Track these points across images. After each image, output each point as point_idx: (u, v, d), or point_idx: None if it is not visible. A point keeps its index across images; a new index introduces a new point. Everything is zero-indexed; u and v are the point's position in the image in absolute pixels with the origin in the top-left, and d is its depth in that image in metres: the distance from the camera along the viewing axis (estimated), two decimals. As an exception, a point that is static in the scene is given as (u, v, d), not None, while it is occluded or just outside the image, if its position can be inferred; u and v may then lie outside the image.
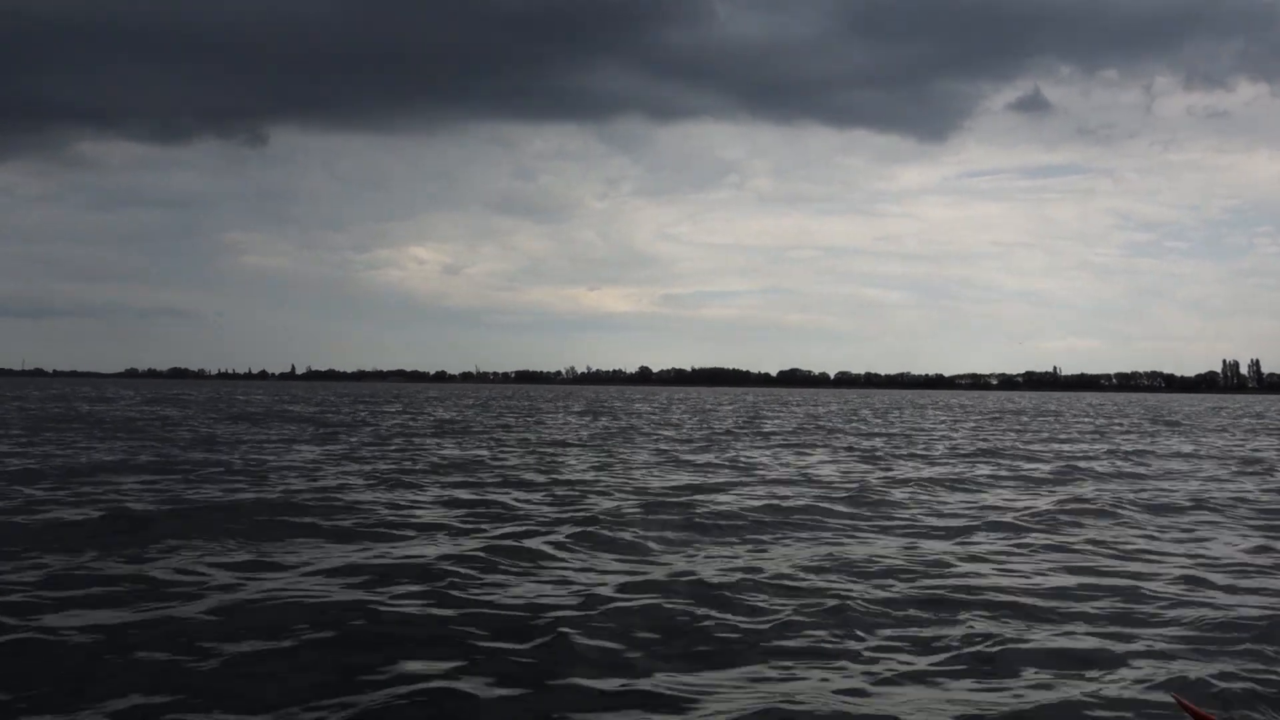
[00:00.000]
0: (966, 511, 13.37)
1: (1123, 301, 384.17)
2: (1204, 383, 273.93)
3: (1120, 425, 44.02)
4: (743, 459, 22.00)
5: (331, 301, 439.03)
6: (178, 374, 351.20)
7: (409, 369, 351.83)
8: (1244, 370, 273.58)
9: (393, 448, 23.75)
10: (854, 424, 42.23)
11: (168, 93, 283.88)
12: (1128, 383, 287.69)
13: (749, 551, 10.15)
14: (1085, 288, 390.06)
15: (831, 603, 7.76)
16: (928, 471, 19.35)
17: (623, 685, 5.86)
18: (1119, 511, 13.41)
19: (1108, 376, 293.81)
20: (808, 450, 25.35)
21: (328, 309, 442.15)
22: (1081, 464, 21.65)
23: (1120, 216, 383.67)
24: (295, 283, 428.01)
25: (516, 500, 13.75)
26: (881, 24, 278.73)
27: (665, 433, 32.69)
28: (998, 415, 56.90)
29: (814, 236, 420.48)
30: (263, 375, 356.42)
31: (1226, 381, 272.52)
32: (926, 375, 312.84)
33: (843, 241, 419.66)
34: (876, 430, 36.64)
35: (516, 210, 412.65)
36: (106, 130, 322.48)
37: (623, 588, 8.23)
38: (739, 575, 8.73)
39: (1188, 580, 8.88)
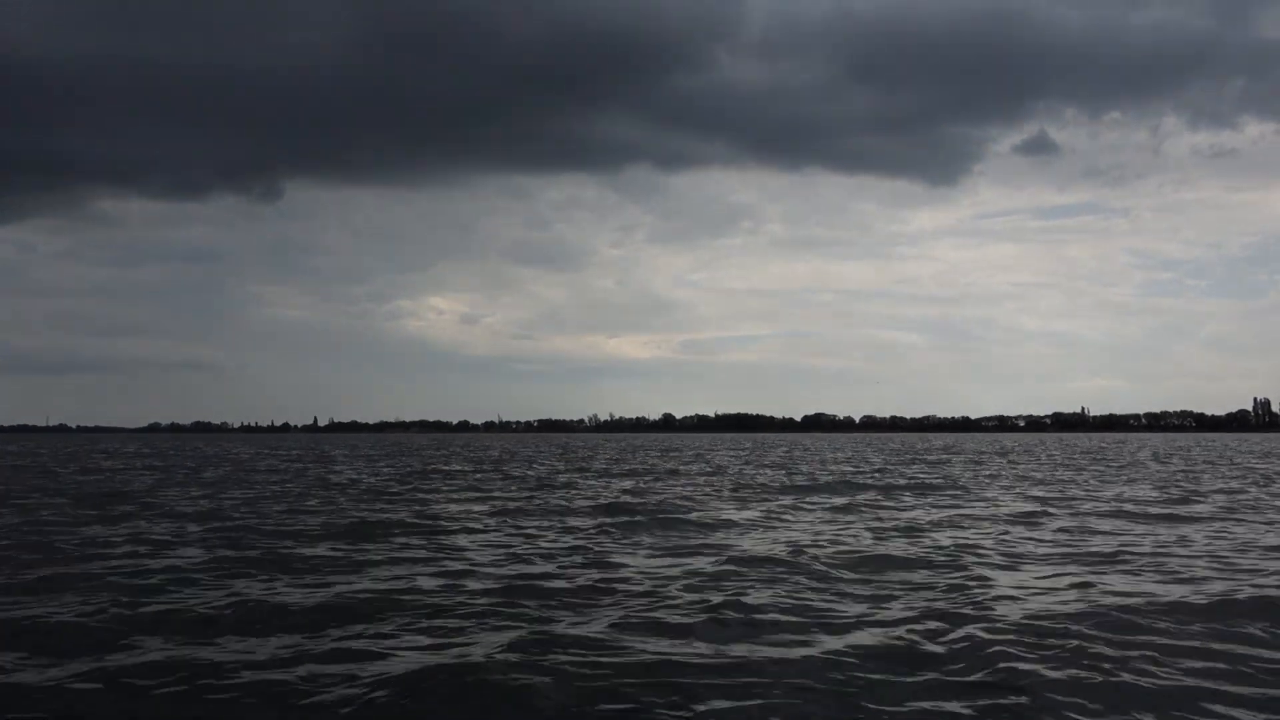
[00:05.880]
0: None
1: (1145, 341, 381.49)
2: (1235, 421, 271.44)
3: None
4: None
5: (353, 353, 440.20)
6: (201, 428, 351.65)
7: (431, 419, 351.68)
8: (1276, 408, 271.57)
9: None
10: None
11: (182, 149, 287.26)
12: (1157, 422, 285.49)
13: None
14: (1106, 327, 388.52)
15: None
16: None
17: None
18: None
19: (1136, 417, 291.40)
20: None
21: (349, 360, 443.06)
22: None
23: (1138, 256, 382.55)
24: (316, 335, 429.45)
25: None
26: (882, 70, 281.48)
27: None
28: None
29: (831, 280, 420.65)
30: (285, 428, 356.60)
31: (1258, 420, 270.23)
32: (952, 418, 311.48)
33: (860, 285, 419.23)
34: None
35: (532, 259, 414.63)
36: (123, 187, 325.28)
37: None
38: None
39: None
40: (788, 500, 23.69)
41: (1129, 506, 21.35)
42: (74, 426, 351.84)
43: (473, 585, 11.24)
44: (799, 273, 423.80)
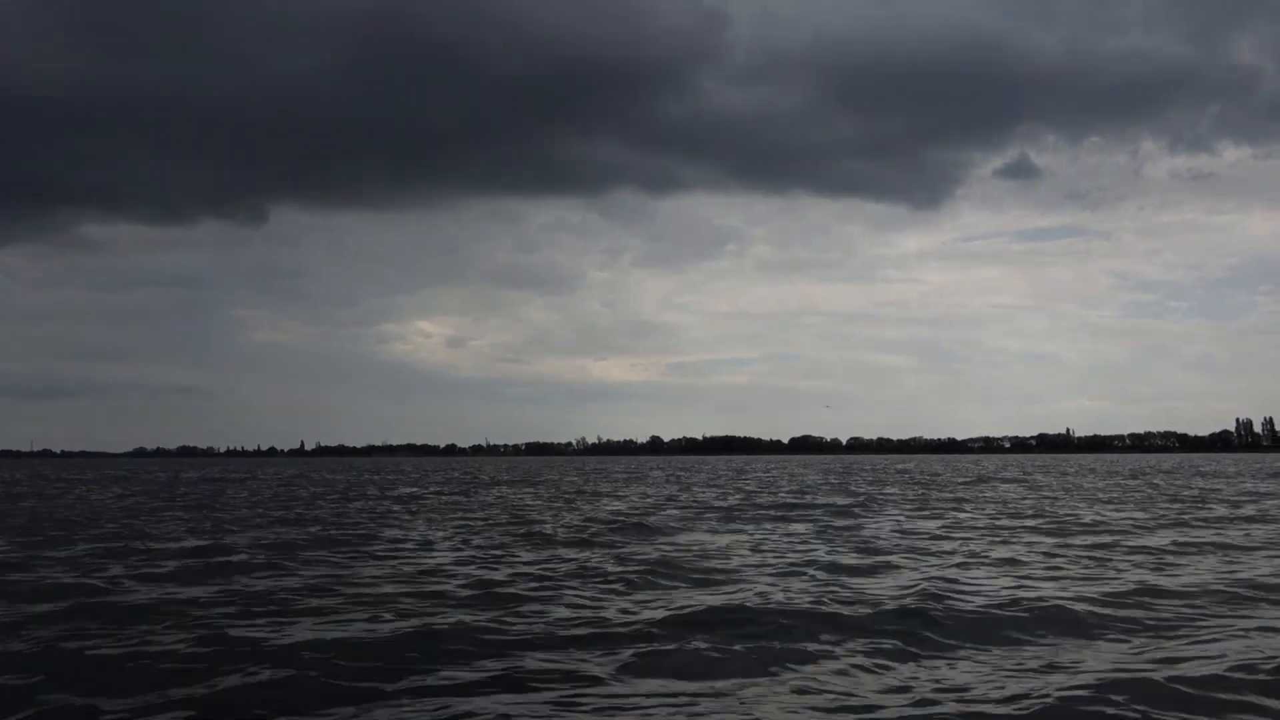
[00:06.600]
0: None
1: (1127, 362, 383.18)
2: (1219, 442, 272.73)
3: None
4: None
5: (339, 376, 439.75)
6: (186, 452, 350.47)
7: (419, 442, 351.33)
8: (1257, 429, 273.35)
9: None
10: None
11: (168, 175, 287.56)
12: (1141, 443, 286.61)
13: None
14: (1089, 349, 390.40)
15: None
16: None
17: None
18: None
19: (1121, 438, 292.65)
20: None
21: (336, 384, 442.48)
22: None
23: (1120, 278, 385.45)
24: (302, 358, 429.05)
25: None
26: (865, 95, 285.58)
27: None
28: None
29: (817, 303, 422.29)
30: (272, 452, 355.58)
31: (1240, 440, 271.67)
32: (939, 439, 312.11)
33: (846, 307, 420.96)
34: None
35: (520, 283, 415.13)
36: (109, 213, 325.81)
37: None
38: None
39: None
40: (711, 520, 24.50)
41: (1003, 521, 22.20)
42: (59, 451, 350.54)
43: (387, 588, 11.99)
44: (785, 295, 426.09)
